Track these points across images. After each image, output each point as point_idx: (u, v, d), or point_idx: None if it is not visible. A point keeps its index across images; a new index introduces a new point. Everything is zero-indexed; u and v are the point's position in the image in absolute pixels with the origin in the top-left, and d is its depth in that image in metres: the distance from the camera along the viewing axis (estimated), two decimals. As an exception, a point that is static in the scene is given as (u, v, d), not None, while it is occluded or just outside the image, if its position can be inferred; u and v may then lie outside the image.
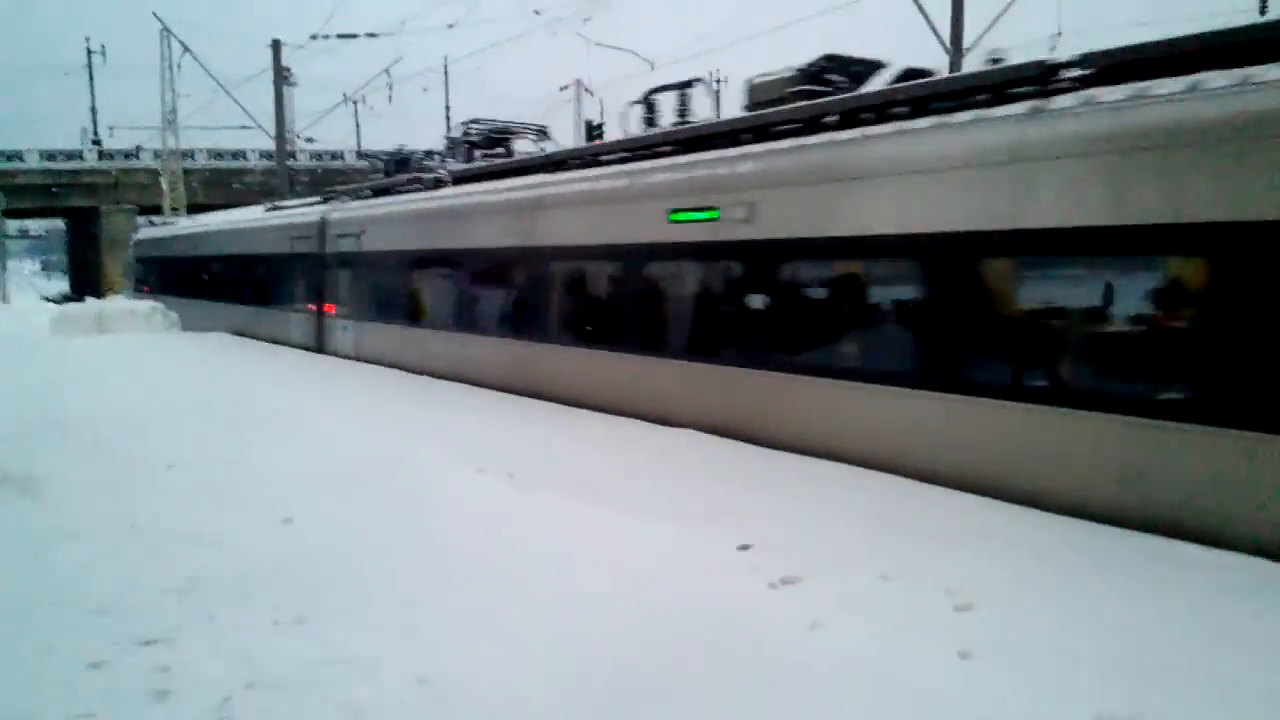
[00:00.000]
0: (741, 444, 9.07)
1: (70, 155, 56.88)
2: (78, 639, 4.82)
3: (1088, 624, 4.63)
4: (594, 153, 12.70)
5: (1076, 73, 7.12)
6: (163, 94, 48.03)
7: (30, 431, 10.40)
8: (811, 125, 9.16)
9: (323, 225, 19.15)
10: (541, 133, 16.31)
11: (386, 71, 35.20)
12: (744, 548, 5.94)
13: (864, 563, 5.56)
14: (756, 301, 9.14)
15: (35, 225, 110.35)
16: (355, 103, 73.09)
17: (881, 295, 8.44)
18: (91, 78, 60.04)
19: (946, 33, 21.11)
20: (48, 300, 50.41)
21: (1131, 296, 6.52)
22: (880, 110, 8.55)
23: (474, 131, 17.30)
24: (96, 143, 58.93)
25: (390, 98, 37.45)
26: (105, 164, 56.80)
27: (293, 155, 63.97)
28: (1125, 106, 6.35)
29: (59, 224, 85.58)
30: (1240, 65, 5.97)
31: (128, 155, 57.45)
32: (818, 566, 5.52)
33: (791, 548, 5.89)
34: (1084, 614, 4.75)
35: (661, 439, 9.52)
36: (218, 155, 60.88)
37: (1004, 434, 7.03)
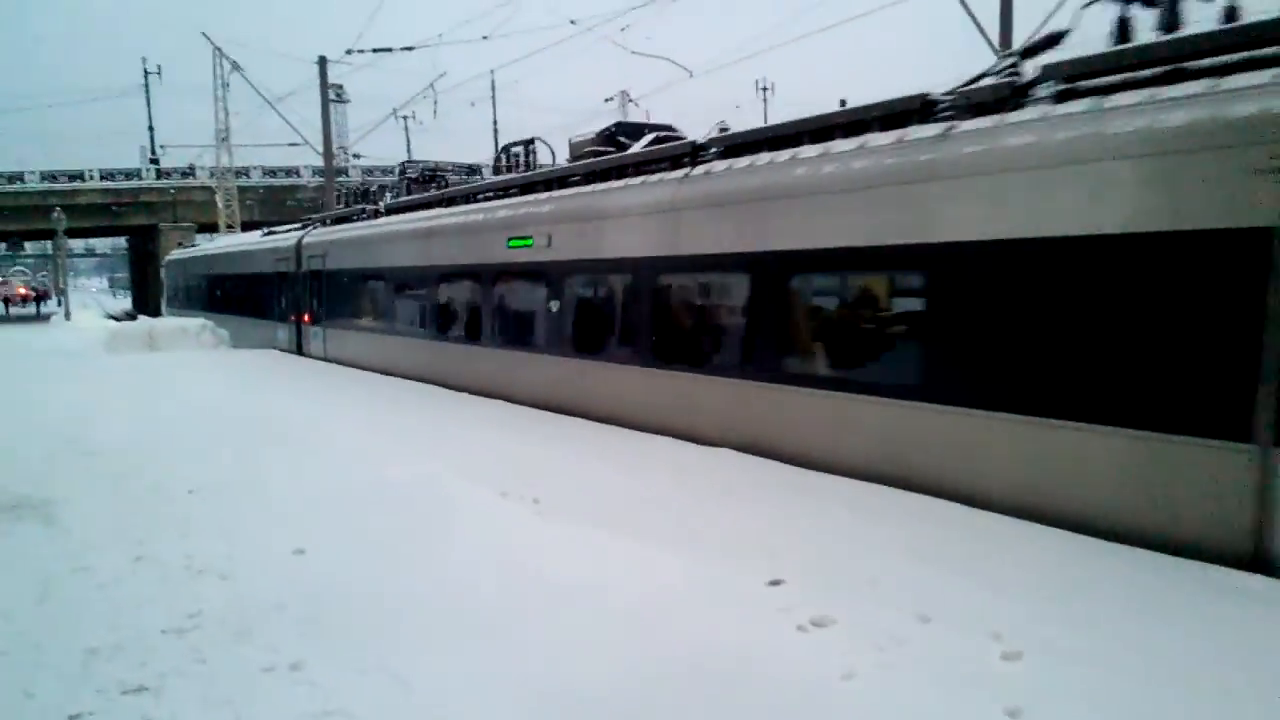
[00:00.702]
0: (780, 465, 8.68)
1: (129, 174, 58.20)
2: (61, 685, 4.56)
3: (1148, 674, 4.14)
4: (468, 193, 16.39)
5: (714, 150, 10.70)
6: (215, 113, 48.90)
7: (61, 453, 10.34)
8: (587, 178, 12.71)
9: (298, 248, 22.80)
10: (471, 170, 20.01)
11: (431, 86, 35.27)
12: (774, 583, 5.53)
13: (903, 601, 5.11)
14: (553, 304, 12.72)
15: (101, 244, 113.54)
16: (405, 118, 74.14)
17: (623, 298, 11.38)
18: (149, 98, 61.42)
19: (996, 34, 20.57)
20: (110, 318, 51.55)
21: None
22: (629, 168, 12.00)
23: (410, 170, 21.23)
24: (155, 162, 60.23)
25: (435, 112, 37.54)
26: (163, 183, 58.01)
27: (344, 171, 64.93)
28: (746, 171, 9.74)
29: (123, 242, 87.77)
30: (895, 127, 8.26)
31: (184, 174, 58.60)
32: (853, 605, 5.08)
33: (826, 583, 5.47)
34: (1143, 662, 4.25)
35: (694, 457, 9.16)
36: (271, 173, 61.88)
37: (716, 396, 9.94)
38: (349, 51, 29.35)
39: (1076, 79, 6.93)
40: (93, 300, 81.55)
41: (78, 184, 56.23)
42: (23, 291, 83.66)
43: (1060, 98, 6.94)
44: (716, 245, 9.83)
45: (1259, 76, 5.74)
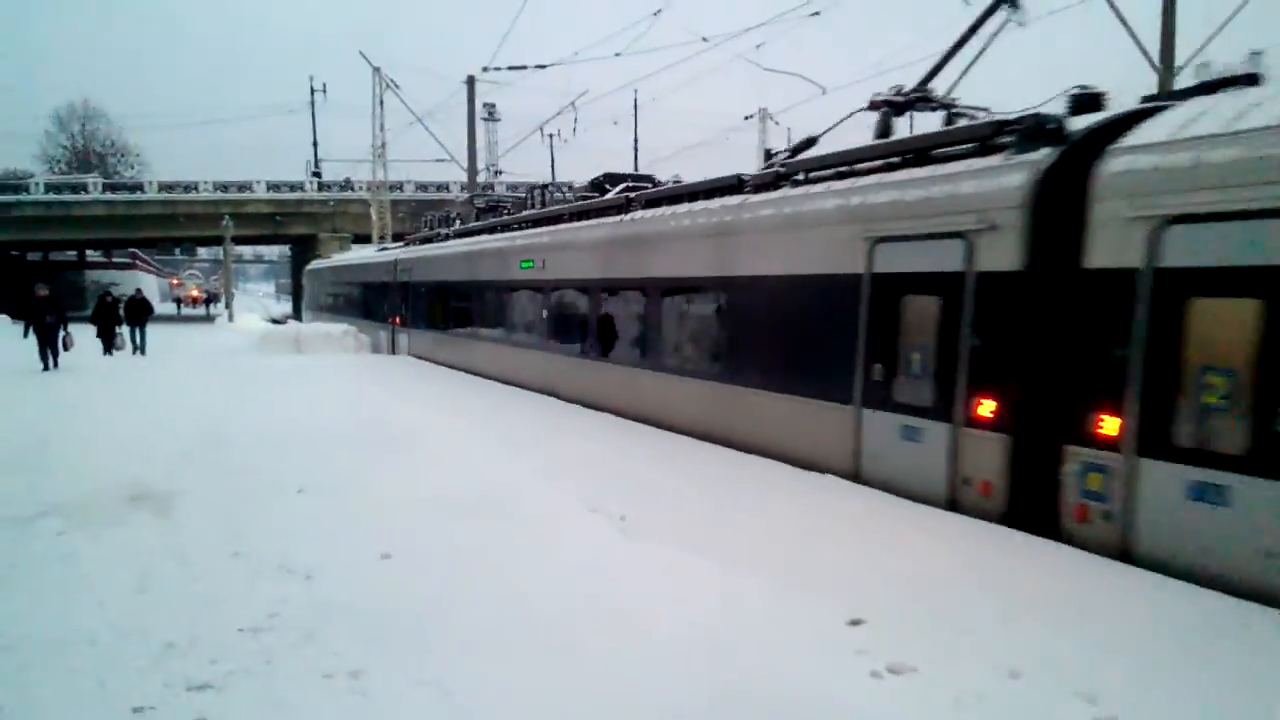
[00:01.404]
0: (885, 495, 8.30)
1: (293, 187, 61.40)
2: (132, 678, 4.68)
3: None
4: (502, 224, 21.50)
5: (637, 204, 14.82)
6: (373, 129, 51.09)
7: (195, 448, 10.85)
8: (573, 216, 17.14)
9: (395, 263, 27.88)
10: (520, 203, 23.28)
11: (573, 104, 35.85)
12: (855, 622, 5.22)
13: (993, 651, 4.73)
14: (546, 312, 17.03)
15: (269, 251, 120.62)
16: (551, 136, 75.77)
17: (582, 307, 15.58)
18: (314, 114, 64.77)
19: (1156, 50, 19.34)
20: (273, 321, 54.56)
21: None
22: (591, 213, 16.41)
23: (478, 200, 26.85)
24: (317, 175, 63.39)
25: (575, 130, 38.07)
26: (323, 195, 60.97)
27: (491, 187, 66.88)
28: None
29: (289, 250, 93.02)
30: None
31: (342, 187, 61.45)
32: (937, 652, 4.74)
33: (911, 626, 5.12)
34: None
35: (797, 484, 8.87)
36: (423, 187, 64.17)
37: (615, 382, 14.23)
38: (485, 69, 30.11)
39: (807, 171, 10.74)
40: (258, 304, 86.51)
41: (246, 194, 59.70)
42: (195, 294, 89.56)
43: (794, 184, 10.75)
44: (630, 272, 13.97)
45: (868, 180, 9.39)
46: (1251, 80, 7.47)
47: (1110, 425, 6.75)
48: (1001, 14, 9.98)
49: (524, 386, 17.49)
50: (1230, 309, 6.05)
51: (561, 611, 5.39)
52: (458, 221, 26.33)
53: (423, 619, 5.38)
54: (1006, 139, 8.06)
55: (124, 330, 25.23)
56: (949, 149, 8.74)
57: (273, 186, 60.37)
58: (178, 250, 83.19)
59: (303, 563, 6.51)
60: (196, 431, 11.93)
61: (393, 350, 27.07)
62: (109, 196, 58.89)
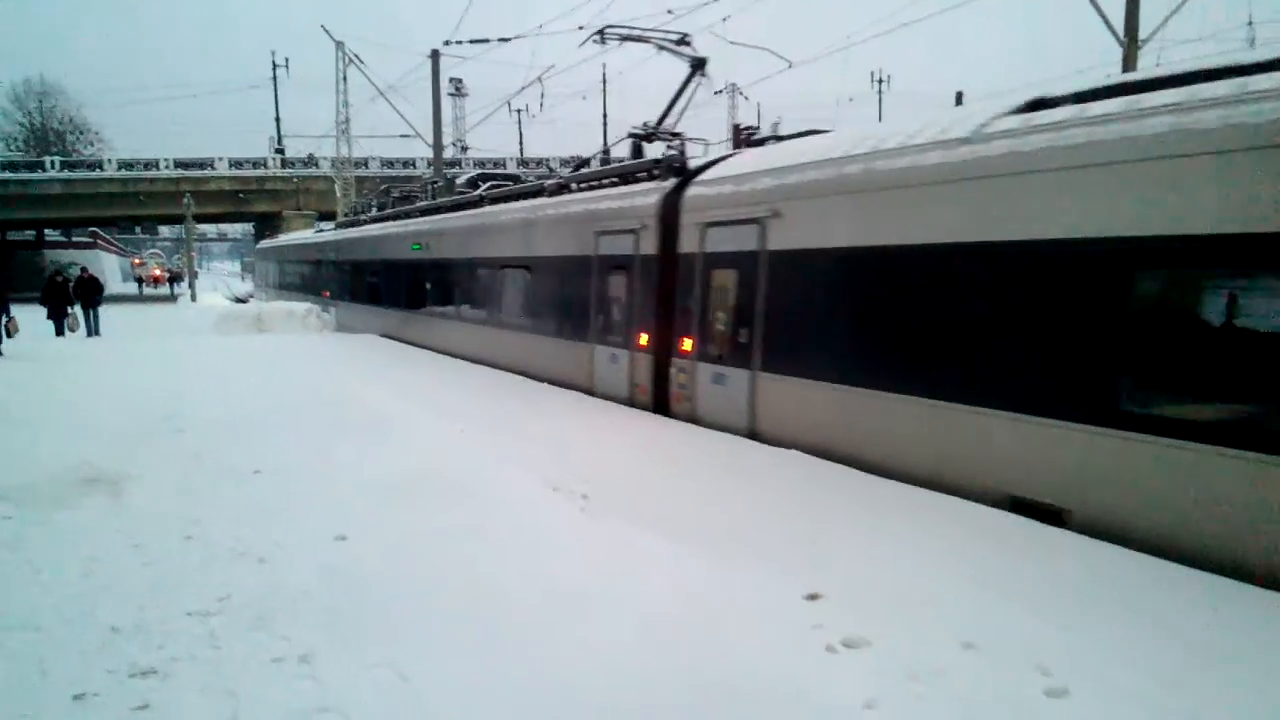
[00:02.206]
0: (843, 470, 8.29)
1: (256, 163, 60.53)
2: (75, 664, 4.57)
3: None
4: (401, 213, 25.12)
5: (487, 200, 19.02)
6: (337, 106, 50.31)
7: (151, 430, 10.65)
8: (450, 208, 21.02)
9: (325, 244, 32.56)
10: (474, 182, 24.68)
11: (539, 79, 35.44)
12: (812, 596, 5.19)
13: (950, 624, 4.72)
14: (430, 285, 21.06)
15: (233, 229, 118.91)
16: (519, 111, 75.02)
17: (456, 280, 19.31)
18: (276, 90, 63.76)
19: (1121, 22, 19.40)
20: (237, 300, 53.85)
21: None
22: (460, 205, 20.43)
23: (394, 190, 29.55)
24: (280, 152, 62.52)
25: (542, 105, 37.70)
26: (287, 171, 60.16)
27: (458, 163, 66.18)
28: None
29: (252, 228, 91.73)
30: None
31: (306, 163, 60.64)
32: (893, 626, 4.72)
33: (869, 599, 5.10)
34: (1212, 716, 3.77)
35: (763, 459, 8.83)
36: (389, 163, 63.46)
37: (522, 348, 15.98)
38: (446, 43, 29.70)
39: (577, 183, 15.33)
40: (222, 283, 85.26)
41: (208, 171, 58.82)
42: (158, 273, 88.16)
43: (570, 192, 15.27)
44: (481, 253, 18.01)
45: (600, 193, 13.76)
46: (813, 133, 11.63)
47: (688, 345, 11.09)
48: (697, 78, 14.08)
49: (417, 345, 21.44)
50: (728, 275, 10.38)
51: (521, 593, 5.33)
52: (374, 209, 30.10)
53: (378, 601, 5.30)
54: (658, 171, 12.43)
55: (76, 310, 24.77)
56: (640, 174, 13.01)
57: (235, 163, 59.51)
58: (139, 229, 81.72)
59: (257, 545, 6.41)
60: (151, 413, 11.71)
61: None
62: (67, 175, 57.84)
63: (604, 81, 62.56)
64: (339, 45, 47.30)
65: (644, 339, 11.93)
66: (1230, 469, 5.61)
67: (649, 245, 11.80)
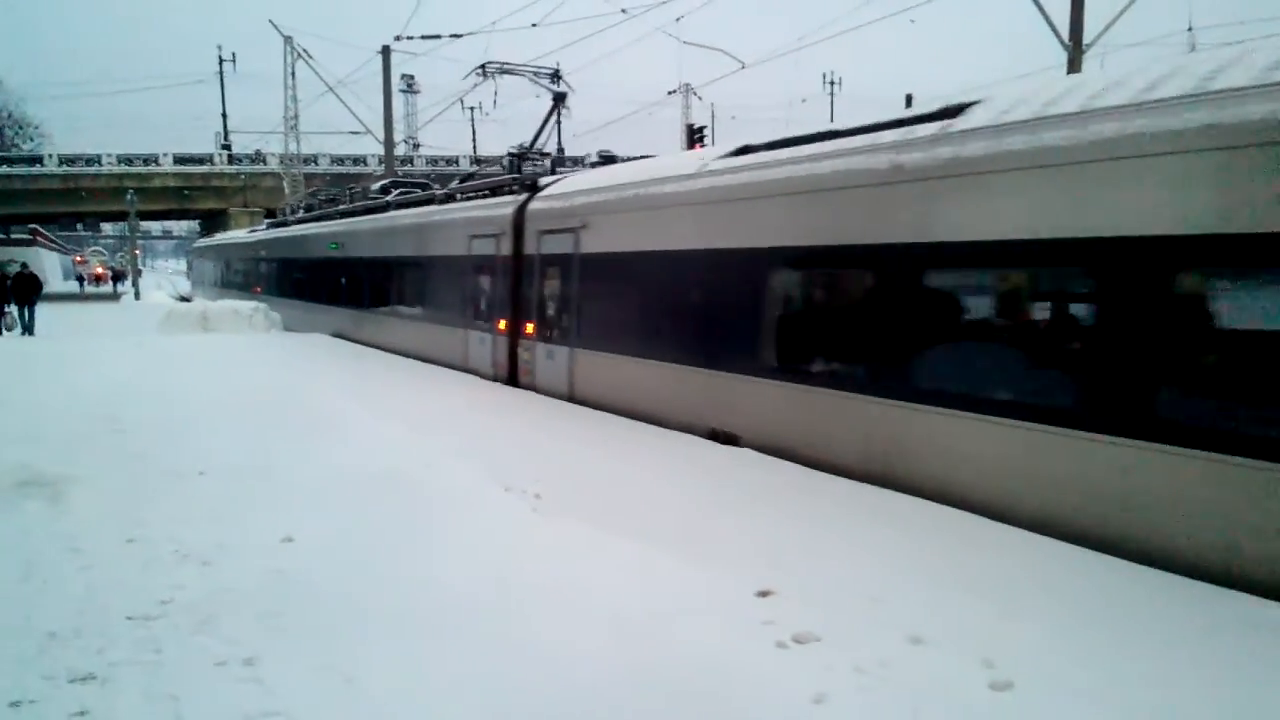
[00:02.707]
0: (799, 468, 8.38)
1: (201, 159, 59.47)
2: (12, 670, 4.45)
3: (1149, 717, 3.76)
4: (322, 215, 28.06)
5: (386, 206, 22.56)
6: (285, 101, 49.70)
7: (92, 431, 10.41)
8: (362, 211, 23.85)
9: (256, 243, 35.54)
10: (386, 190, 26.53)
11: (493, 77, 35.15)
12: (763, 594, 5.22)
13: (897, 619, 4.78)
14: (342, 279, 23.36)
15: (179, 226, 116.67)
16: (472, 109, 74.36)
17: (362, 276, 21.94)
18: (223, 84, 62.65)
19: (1066, 29, 19.78)
20: (182, 299, 52.75)
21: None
22: (365, 210, 23.78)
23: (320, 194, 33.66)
24: (226, 148, 61.47)
25: (495, 102, 37.45)
26: (234, 168, 59.19)
27: (410, 160, 65.53)
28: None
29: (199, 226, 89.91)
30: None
31: (253, 160, 59.69)
32: (842, 621, 4.77)
33: (819, 596, 5.15)
34: (1149, 704, 3.87)
35: (715, 458, 8.88)
36: (339, 160, 62.72)
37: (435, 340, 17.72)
38: (398, 38, 29.41)
39: (461, 194, 18.32)
40: (167, 281, 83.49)
41: (152, 167, 57.69)
42: (100, 271, 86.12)
43: (454, 202, 18.24)
44: (385, 253, 20.81)
45: (475, 202, 16.99)
46: (610, 160, 16.35)
47: (530, 328, 14.03)
48: (560, 109, 18.71)
49: (340, 336, 23.13)
50: (555, 272, 13.32)
51: (471, 593, 5.29)
52: (300, 211, 33.18)
53: (325, 603, 5.24)
54: (516, 186, 15.46)
55: (12, 309, 24.14)
56: (503, 189, 16.04)
57: (180, 159, 58.43)
58: (81, 226, 79.85)
59: (200, 548, 6.29)
60: (92, 414, 11.44)
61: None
62: (5, 170, 56.36)
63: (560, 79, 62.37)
64: (287, 40, 46.71)
65: (502, 324, 14.86)
66: (791, 396, 8.89)
67: (505, 248, 14.71)
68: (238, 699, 4.17)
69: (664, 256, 10.86)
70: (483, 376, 15.37)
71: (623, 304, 11.69)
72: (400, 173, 36.82)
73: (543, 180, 15.10)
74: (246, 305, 24.95)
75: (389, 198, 22.54)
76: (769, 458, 8.79)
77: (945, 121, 7.59)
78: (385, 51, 36.15)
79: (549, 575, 5.47)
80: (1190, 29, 28.82)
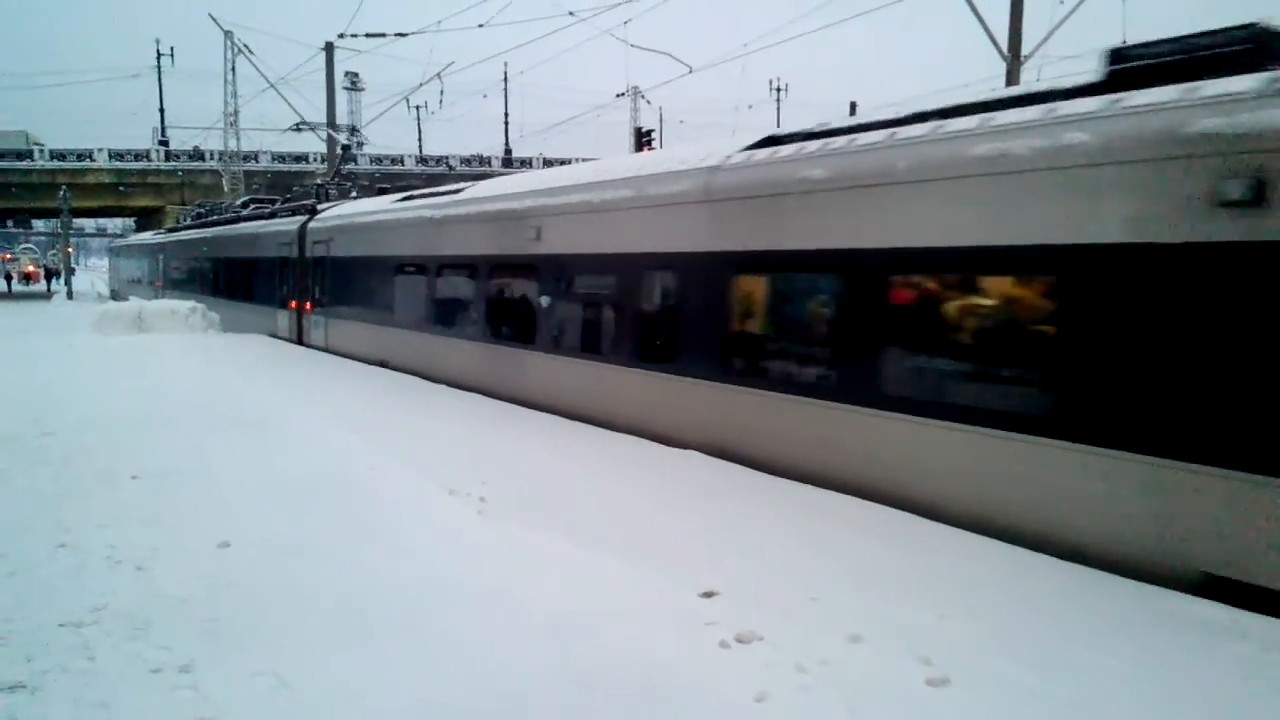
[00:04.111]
0: (743, 469, 8.45)
1: (138, 155, 58.06)
2: (-65, 681, 4.32)
3: (1080, 715, 3.86)
4: (212, 222, 34.32)
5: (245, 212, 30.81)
6: (225, 97, 48.79)
7: (19, 434, 10.12)
8: (229, 221, 31.60)
9: (160, 244, 41.40)
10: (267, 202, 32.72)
11: (438, 76, 35.00)
12: (707, 594, 5.27)
13: (838, 618, 4.86)
14: (212, 275, 31.08)
15: (113, 224, 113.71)
16: (418, 107, 73.66)
17: (238, 274, 27.61)
18: (160, 79, 61.29)
19: (1005, 39, 20.21)
20: (115, 297, 51.43)
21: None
22: (239, 219, 30.59)
23: (201, 206, 41.62)
24: (164, 143, 60.16)
25: (441, 102, 37.31)
26: (171, 164, 57.89)
27: (354, 159, 64.58)
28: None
29: (134, 224, 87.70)
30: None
31: (191, 156, 58.45)
32: (784, 621, 4.83)
33: (761, 596, 5.21)
34: (1079, 699, 3.98)
35: (660, 460, 8.91)
36: (280, 158, 61.67)
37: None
38: (341, 35, 29.04)
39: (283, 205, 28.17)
40: (101, 280, 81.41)
41: (86, 163, 56.17)
42: (31, 269, 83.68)
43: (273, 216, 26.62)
44: (243, 254, 26.30)
45: (288, 218, 24.49)
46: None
47: (308, 305, 20.97)
48: (347, 155, 31.56)
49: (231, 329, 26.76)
50: (315, 266, 20.89)
51: (414, 597, 5.25)
52: (190, 219, 40.84)
53: (263, 609, 5.15)
54: (304, 210, 22.50)
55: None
56: (299, 211, 23.57)
57: (116, 155, 56.95)
58: (10, 222, 77.43)
59: (134, 553, 6.15)
60: (18, 417, 11.10)
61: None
62: (-71, 164, 54.40)
63: (505, 81, 62.11)
64: (228, 35, 45.88)
65: (293, 303, 22.02)
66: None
67: (296, 251, 21.83)
68: (172, 706, 4.09)
69: (370, 259, 17.80)
70: (283, 339, 22.45)
71: (352, 289, 18.63)
72: (344, 170, 36.42)
73: (320, 206, 22.53)
74: (184, 305, 24.41)
75: (244, 211, 30.41)
76: (715, 460, 8.84)
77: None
78: (328, 48, 35.69)
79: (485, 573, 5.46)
80: (1124, 43, 29.59)
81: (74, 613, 5.14)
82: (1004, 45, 20.31)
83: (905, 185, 7.18)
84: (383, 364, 16.52)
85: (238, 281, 27.04)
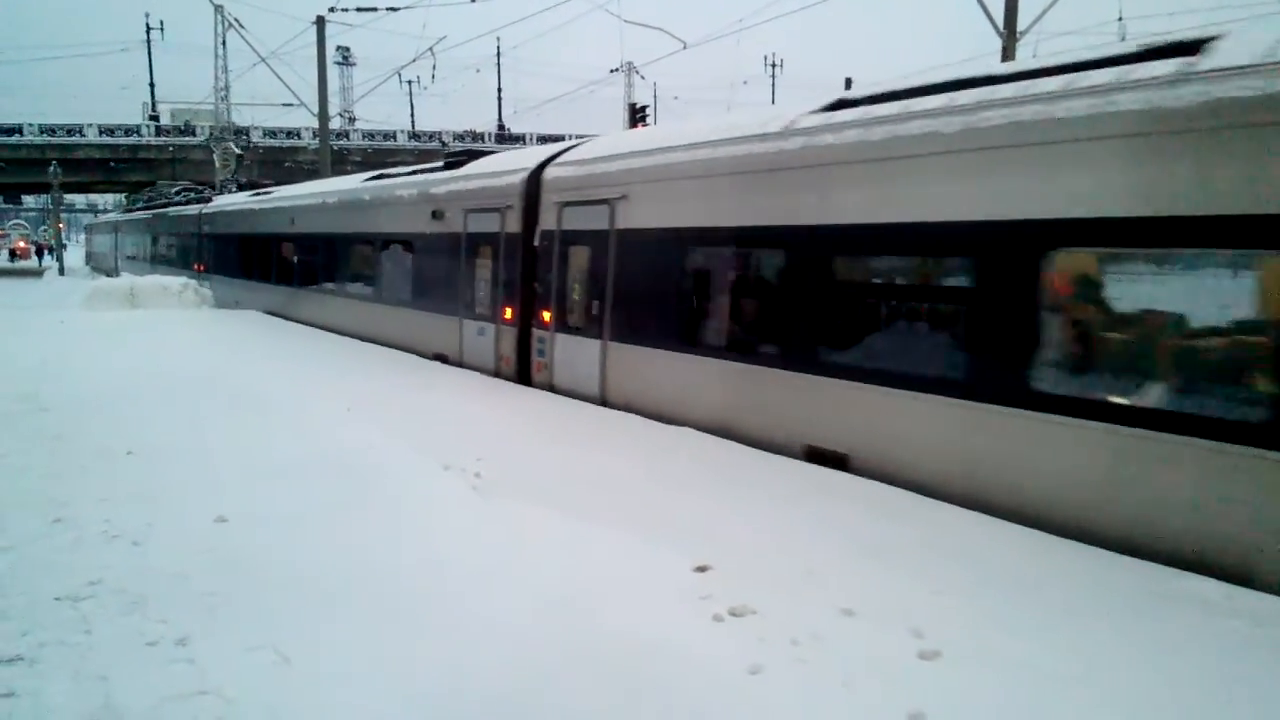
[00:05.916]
0: (739, 446, 8.47)
1: (129, 131, 57.59)
2: (-67, 654, 4.34)
3: (1071, 687, 3.91)
4: (153, 205, 44.61)
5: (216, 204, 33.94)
6: (215, 72, 48.37)
7: (13, 410, 10.10)
8: (169, 204, 40.73)
9: (117, 222, 51.11)
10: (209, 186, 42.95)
11: (430, 50, 34.69)
12: (701, 569, 5.30)
13: (831, 592, 4.89)
14: (165, 249, 38.12)
15: (105, 199, 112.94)
16: (410, 83, 73.06)
17: (177, 246, 35.84)
18: (150, 54, 60.73)
19: (1001, 15, 20.10)
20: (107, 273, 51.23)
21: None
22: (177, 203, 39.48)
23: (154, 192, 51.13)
24: (154, 119, 59.73)
25: (434, 77, 37.00)
26: (162, 140, 57.46)
27: (346, 135, 64.27)
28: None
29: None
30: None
31: (182, 131, 58.02)
32: (777, 595, 4.86)
33: (756, 570, 5.24)
34: (1071, 673, 4.02)
35: (658, 437, 8.93)
36: (272, 134, 61.24)
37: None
38: (332, 9, 28.74)
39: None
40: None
41: (76, 138, 55.69)
42: (22, 245, 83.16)
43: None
44: (168, 230, 36.69)
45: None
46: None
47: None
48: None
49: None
50: (214, 242, 28.66)
51: (411, 571, 5.28)
52: (141, 203, 48.14)
53: (260, 584, 5.17)
54: (202, 199, 35.64)
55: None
56: (197, 200, 34.62)
57: (106, 130, 56.46)
58: (0, 198, 76.86)
59: (130, 528, 6.16)
60: (12, 393, 11.08)
61: (118, 272, 44.47)
62: (-82, 139, 53.94)
63: (498, 56, 61.68)
64: (218, 8, 45.39)
65: (199, 267, 29.61)
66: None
67: (197, 228, 30.23)
68: (169, 679, 4.11)
69: (257, 235, 23.37)
70: (200, 305, 24.80)
71: (235, 258, 25.04)
72: (336, 147, 36.38)
73: (214, 197, 31.62)
74: (176, 281, 24.33)
75: (176, 196, 40.45)
76: (711, 436, 8.85)
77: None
78: (320, 22, 35.30)
79: (485, 553, 5.49)
80: (1120, 19, 29.50)
81: (70, 587, 5.15)
82: (999, 22, 20.23)
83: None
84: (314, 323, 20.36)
85: (170, 253, 35.69)
